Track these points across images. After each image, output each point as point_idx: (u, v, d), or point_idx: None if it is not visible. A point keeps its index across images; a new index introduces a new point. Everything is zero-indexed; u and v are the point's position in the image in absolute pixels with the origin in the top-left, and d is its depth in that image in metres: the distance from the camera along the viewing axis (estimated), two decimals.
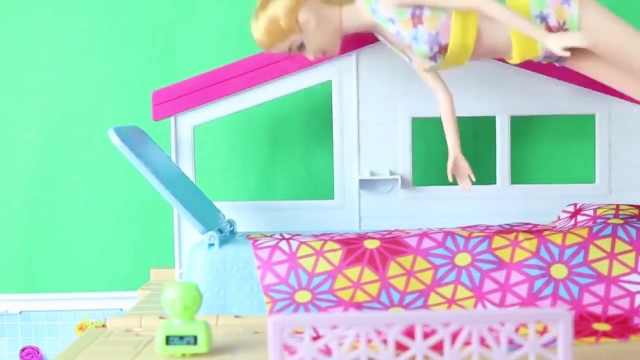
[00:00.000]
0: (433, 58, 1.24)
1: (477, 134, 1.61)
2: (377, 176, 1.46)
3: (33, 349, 1.66)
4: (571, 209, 1.38)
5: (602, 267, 1.20)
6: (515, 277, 1.18)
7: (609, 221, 1.25)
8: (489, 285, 1.18)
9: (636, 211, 1.30)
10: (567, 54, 1.13)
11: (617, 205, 1.31)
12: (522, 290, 1.17)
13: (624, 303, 1.16)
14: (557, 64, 1.27)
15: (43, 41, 1.64)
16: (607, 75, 1.23)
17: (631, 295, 1.17)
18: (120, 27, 1.64)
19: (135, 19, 1.63)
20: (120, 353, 1.06)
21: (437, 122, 1.54)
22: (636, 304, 1.16)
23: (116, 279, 1.65)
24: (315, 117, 1.61)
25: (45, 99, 1.65)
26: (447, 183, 1.49)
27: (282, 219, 1.48)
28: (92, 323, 1.65)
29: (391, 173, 1.47)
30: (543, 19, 1.20)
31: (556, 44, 1.13)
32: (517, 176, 1.55)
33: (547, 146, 1.63)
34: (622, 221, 1.25)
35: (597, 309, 1.16)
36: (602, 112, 1.46)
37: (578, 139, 1.61)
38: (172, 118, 1.46)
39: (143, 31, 1.63)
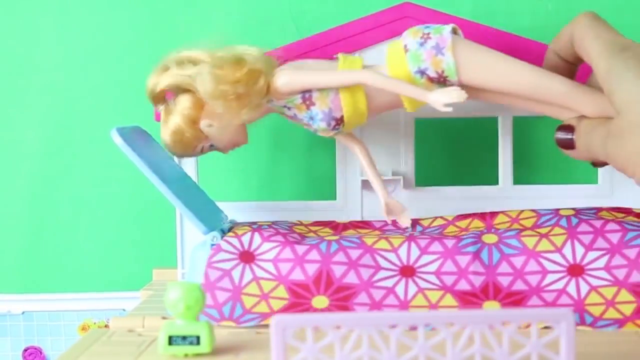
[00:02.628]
0: (333, 129, 1.29)
1: (479, 134, 1.61)
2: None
3: (36, 349, 1.66)
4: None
5: (530, 241, 1.23)
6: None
7: (560, 211, 1.29)
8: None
9: (620, 215, 1.30)
10: (449, 109, 1.18)
11: (599, 209, 1.31)
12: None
13: (533, 280, 1.19)
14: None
15: (45, 41, 1.64)
16: (498, 99, 1.27)
17: (544, 272, 1.20)
18: (122, 27, 1.64)
19: (137, 19, 1.64)
20: (122, 353, 1.06)
21: (439, 122, 1.55)
22: (543, 283, 1.19)
23: (119, 279, 1.66)
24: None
25: (48, 99, 1.65)
26: (449, 183, 1.49)
27: (284, 219, 1.48)
28: (94, 323, 1.65)
29: (394, 173, 1.47)
30: (422, 73, 1.23)
31: (436, 102, 1.19)
32: (520, 176, 1.55)
33: (550, 146, 1.62)
34: (572, 212, 1.28)
35: (506, 280, 1.19)
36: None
37: None
38: None
39: (146, 31, 1.64)
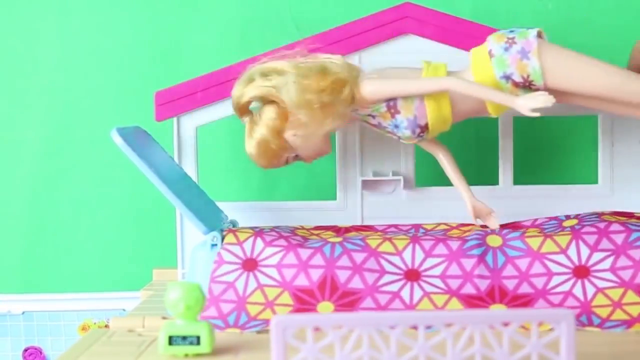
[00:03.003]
0: (418, 137, 1.30)
1: (479, 134, 1.61)
2: (380, 177, 1.46)
3: (36, 349, 1.66)
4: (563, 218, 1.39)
5: (534, 242, 1.23)
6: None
7: (563, 223, 1.28)
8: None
9: (622, 218, 1.30)
10: (537, 114, 1.18)
11: (601, 213, 1.31)
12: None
13: (539, 282, 1.19)
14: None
15: (45, 42, 1.64)
16: (584, 102, 1.28)
17: (549, 274, 1.19)
18: (122, 28, 1.64)
19: (138, 20, 1.64)
20: (122, 353, 1.06)
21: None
22: (549, 285, 1.19)
23: (119, 279, 1.66)
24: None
25: (48, 100, 1.65)
26: (449, 184, 1.49)
27: (284, 220, 1.48)
28: (94, 323, 1.65)
29: (394, 173, 1.47)
30: (508, 78, 1.24)
31: (523, 107, 1.19)
32: (520, 177, 1.55)
33: (550, 147, 1.63)
34: (575, 221, 1.28)
35: (511, 284, 1.19)
36: (605, 112, 1.46)
37: (580, 139, 1.61)
38: (174, 119, 1.46)
39: (146, 31, 1.64)
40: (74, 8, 1.64)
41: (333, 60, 1.28)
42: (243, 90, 1.28)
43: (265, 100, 1.28)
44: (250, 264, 1.23)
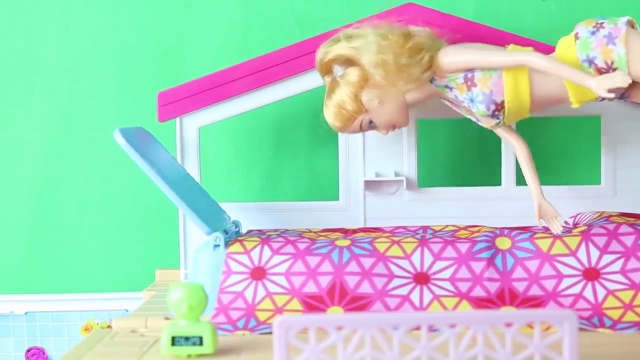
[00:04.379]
0: (493, 116, 1.27)
1: (482, 135, 1.60)
2: (383, 177, 1.46)
3: (38, 349, 1.66)
4: (571, 221, 1.39)
5: (544, 244, 1.22)
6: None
7: (573, 231, 1.27)
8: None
9: (631, 219, 1.29)
10: (612, 95, 1.15)
11: (609, 215, 1.31)
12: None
13: (549, 285, 1.19)
14: (622, 101, 1.30)
15: (48, 42, 1.64)
16: None
17: (559, 277, 1.19)
18: (125, 28, 1.64)
19: (140, 20, 1.64)
20: (125, 354, 1.06)
21: (442, 123, 1.55)
22: (559, 287, 1.18)
23: (121, 279, 1.66)
24: (321, 118, 1.60)
25: (50, 100, 1.65)
26: (452, 184, 1.49)
27: (287, 220, 1.48)
28: (97, 324, 1.66)
29: (396, 174, 1.47)
30: (591, 62, 1.21)
31: (599, 87, 1.15)
32: (523, 178, 1.55)
33: (552, 147, 1.63)
34: (585, 227, 1.27)
35: (521, 286, 1.19)
36: (607, 113, 1.46)
37: (583, 140, 1.61)
38: (177, 119, 1.46)
39: (148, 32, 1.64)
40: (76, 9, 1.64)
41: (418, 29, 1.30)
42: (328, 49, 1.30)
43: (349, 63, 1.30)
44: (258, 273, 1.23)
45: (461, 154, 1.64)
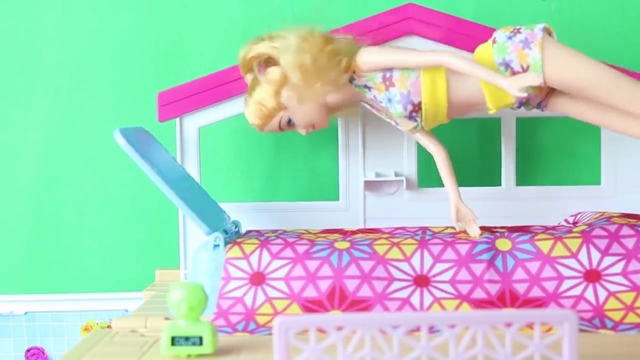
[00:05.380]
0: (411, 117, 1.28)
1: (482, 135, 1.61)
2: (382, 177, 1.46)
3: (38, 349, 1.66)
4: (571, 219, 1.39)
5: (545, 246, 1.22)
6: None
7: (574, 230, 1.27)
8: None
9: (632, 220, 1.29)
10: (524, 94, 1.16)
11: (610, 216, 1.31)
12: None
13: (550, 286, 1.19)
14: (541, 110, 1.30)
15: (48, 42, 1.65)
16: (588, 115, 1.26)
17: (560, 278, 1.19)
18: (125, 29, 1.64)
19: (140, 20, 1.64)
20: (125, 354, 1.06)
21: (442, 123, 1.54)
22: (560, 289, 1.18)
23: (121, 279, 1.66)
24: None
25: (51, 100, 1.65)
26: None
27: (287, 220, 1.48)
28: (97, 324, 1.66)
29: (396, 174, 1.47)
30: (507, 65, 1.23)
31: (511, 86, 1.17)
32: (523, 178, 1.55)
33: (553, 148, 1.63)
34: (586, 227, 1.27)
35: (522, 287, 1.19)
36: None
37: (583, 140, 1.61)
38: (177, 119, 1.46)
39: (148, 32, 1.64)
40: (76, 9, 1.64)
41: (340, 35, 1.32)
42: (249, 48, 1.33)
43: (270, 63, 1.33)
44: (258, 278, 1.23)
45: (461, 154, 1.64)
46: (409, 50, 1.27)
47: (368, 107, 1.35)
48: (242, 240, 1.28)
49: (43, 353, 1.66)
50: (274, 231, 1.35)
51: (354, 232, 1.37)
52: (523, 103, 1.27)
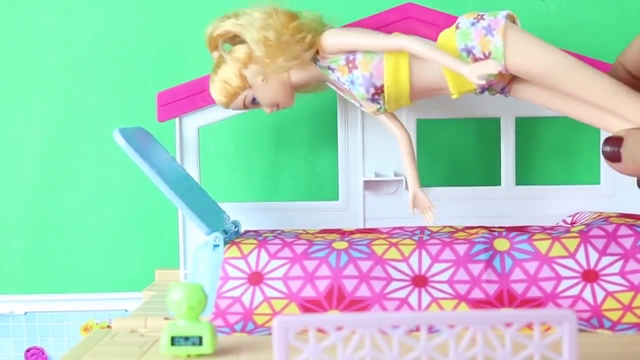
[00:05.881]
0: (373, 100, 1.29)
1: (482, 135, 1.61)
2: (382, 177, 1.46)
3: (38, 349, 1.66)
4: (569, 220, 1.39)
5: (543, 246, 1.22)
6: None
7: (572, 229, 1.27)
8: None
9: (630, 220, 1.29)
10: (482, 81, 1.16)
11: (608, 216, 1.31)
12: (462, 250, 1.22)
13: (548, 286, 1.19)
14: (503, 96, 1.28)
15: (48, 43, 1.65)
16: (551, 103, 1.25)
17: (558, 278, 1.19)
18: (125, 29, 1.64)
19: (140, 21, 1.64)
20: (125, 354, 1.06)
21: (441, 123, 1.55)
22: (558, 289, 1.18)
23: (121, 279, 1.66)
24: (320, 118, 1.61)
25: (50, 101, 1.65)
26: (451, 184, 1.49)
27: (286, 220, 1.48)
28: (97, 324, 1.66)
29: (396, 174, 1.47)
30: (469, 51, 1.22)
31: (471, 73, 1.17)
32: (522, 177, 1.55)
33: (552, 147, 1.63)
34: (583, 226, 1.27)
35: (520, 288, 1.19)
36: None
37: (582, 140, 1.61)
38: (177, 119, 1.46)
39: (148, 32, 1.64)
40: (76, 9, 1.64)
41: (306, 13, 1.32)
42: (215, 26, 1.33)
43: (236, 41, 1.33)
44: (256, 278, 1.23)
45: (461, 154, 1.64)
46: (372, 34, 1.28)
47: (333, 87, 1.36)
48: (240, 240, 1.28)
49: (43, 353, 1.66)
50: (272, 231, 1.35)
51: (352, 232, 1.37)
52: (486, 89, 1.26)
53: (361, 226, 1.47)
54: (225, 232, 1.29)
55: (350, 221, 1.48)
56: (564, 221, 1.39)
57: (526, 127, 1.58)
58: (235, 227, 1.35)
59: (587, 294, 1.18)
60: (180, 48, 1.64)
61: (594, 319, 1.14)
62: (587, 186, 1.49)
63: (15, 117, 1.66)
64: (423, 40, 1.24)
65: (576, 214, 1.39)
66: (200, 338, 1.04)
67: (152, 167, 1.25)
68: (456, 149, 1.64)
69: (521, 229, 1.32)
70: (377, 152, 1.47)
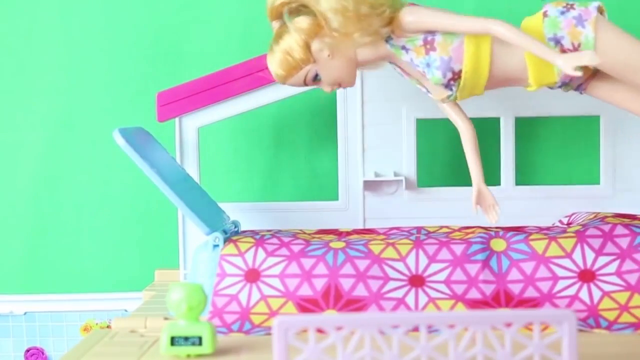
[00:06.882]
0: (447, 86, 1.23)
1: (481, 134, 1.60)
2: (382, 177, 1.46)
3: (38, 349, 1.66)
4: (565, 220, 1.39)
5: (539, 246, 1.22)
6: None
7: (568, 230, 1.27)
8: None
9: (626, 220, 1.29)
10: (579, 73, 1.11)
11: (604, 217, 1.31)
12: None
13: (544, 286, 1.18)
14: (578, 93, 1.26)
15: (47, 43, 1.64)
16: (630, 103, 1.23)
17: (555, 278, 1.19)
18: (124, 28, 1.64)
19: (139, 20, 1.64)
20: (125, 354, 1.06)
21: (441, 123, 1.54)
22: (555, 289, 1.18)
23: (121, 280, 1.66)
24: (320, 118, 1.61)
25: (50, 100, 1.65)
26: (451, 184, 1.49)
27: (286, 220, 1.48)
28: (96, 324, 1.66)
29: (395, 174, 1.47)
30: (557, 41, 1.19)
31: (566, 64, 1.11)
32: (522, 177, 1.55)
33: (552, 147, 1.63)
34: (580, 227, 1.27)
35: (517, 288, 1.18)
36: (606, 113, 1.46)
37: (582, 140, 1.61)
38: (176, 119, 1.46)
39: (148, 32, 1.64)
40: (76, 9, 1.64)
41: None
42: None
43: (301, 11, 1.23)
44: (252, 275, 1.23)
45: (461, 154, 1.63)
46: (456, 14, 1.20)
47: (397, 69, 1.29)
48: (238, 238, 1.28)
49: (42, 353, 1.66)
50: (269, 231, 1.35)
51: (349, 233, 1.37)
52: (565, 83, 1.22)
53: (361, 226, 1.47)
54: (225, 232, 1.29)
55: (350, 221, 1.48)
56: (560, 221, 1.39)
57: (526, 127, 1.58)
58: (235, 227, 1.35)
59: (583, 294, 1.18)
60: (180, 48, 1.64)
61: (590, 319, 1.15)
62: (586, 186, 1.49)
63: (15, 117, 1.65)
64: (510, 24, 1.17)
65: (572, 214, 1.39)
66: (200, 338, 1.04)
67: (152, 167, 1.25)
68: (456, 149, 1.63)
69: (518, 229, 1.32)
70: (377, 152, 1.47)
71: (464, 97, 1.25)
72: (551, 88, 1.25)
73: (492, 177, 1.51)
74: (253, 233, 1.32)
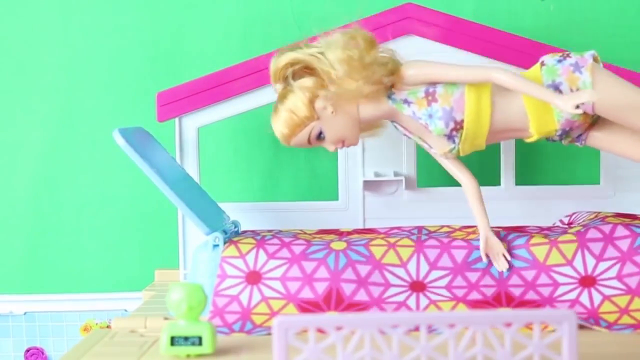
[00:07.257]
0: (450, 137, 1.24)
1: None
2: (382, 177, 1.46)
3: (38, 349, 1.66)
4: (566, 220, 1.39)
5: (540, 252, 1.22)
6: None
7: (569, 231, 1.27)
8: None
9: (627, 220, 1.29)
10: (579, 111, 1.13)
11: (605, 216, 1.31)
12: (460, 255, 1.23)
13: (545, 291, 1.19)
14: (578, 144, 1.27)
15: (48, 43, 1.65)
16: (631, 152, 1.25)
17: (555, 285, 1.20)
18: (124, 28, 1.64)
19: (139, 20, 1.64)
20: (125, 354, 1.06)
21: None
22: (556, 294, 1.19)
23: (121, 279, 1.66)
24: None
25: (50, 100, 1.65)
26: (451, 184, 1.49)
27: (286, 220, 1.48)
28: (96, 324, 1.66)
29: (395, 174, 1.47)
30: (556, 87, 1.20)
31: (566, 104, 1.13)
32: (522, 177, 1.55)
33: (552, 147, 1.63)
34: (581, 227, 1.27)
35: (517, 291, 1.19)
36: None
37: None
38: (176, 119, 1.46)
39: (148, 32, 1.64)
40: (76, 9, 1.64)
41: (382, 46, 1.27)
42: (286, 54, 1.25)
43: (304, 73, 1.25)
44: (254, 277, 1.23)
45: None
46: (456, 65, 1.23)
47: (399, 128, 1.30)
48: (238, 240, 1.28)
49: (42, 353, 1.66)
50: (270, 231, 1.35)
51: (349, 233, 1.36)
52: (566, 131, 1.24)
53: (361, 226, 1.47)
54: (225, 232, 1.29)
55: (350, 221, 1.48)
56: (561, 221, 1.39)
57: None
58: (235, 227, 1.35)
59: (584, 298, 1.18)
60: (180, 48, 1.64)
61: (590, 320, 1.15)
62: (587, 186, 1.49)
63: (15, 117, 1.65)
64: (509, 70, 1.20)
65: (573, 214, 1.39)
66: (200, 338, 1.04)
67: (152, 167, 1.26)
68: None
69: (518, 229, 1.32)
70: (377, 152, 1.47)
71: (466, 151, 1.27)
72: (552, 141, 1.27)
73: (492, 177, 1.51)
74: (254, 234, 1.32)
